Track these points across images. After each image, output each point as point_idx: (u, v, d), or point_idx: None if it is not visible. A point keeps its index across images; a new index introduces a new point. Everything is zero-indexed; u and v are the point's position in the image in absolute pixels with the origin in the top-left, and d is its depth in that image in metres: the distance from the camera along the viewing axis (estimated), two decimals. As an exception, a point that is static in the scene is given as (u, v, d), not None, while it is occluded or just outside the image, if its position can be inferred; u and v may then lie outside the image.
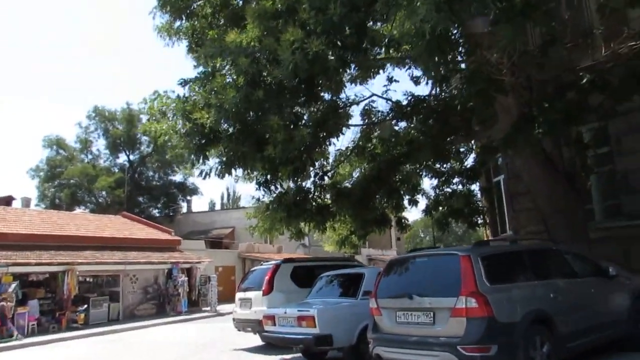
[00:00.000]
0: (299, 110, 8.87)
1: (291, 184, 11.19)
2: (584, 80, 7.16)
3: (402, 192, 12.61)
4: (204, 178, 9.14)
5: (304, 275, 10.50)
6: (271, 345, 10.59)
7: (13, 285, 15.71)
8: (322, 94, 8.83)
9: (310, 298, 8.25)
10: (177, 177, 44.37)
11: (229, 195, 63.08)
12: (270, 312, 7.94)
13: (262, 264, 11.06)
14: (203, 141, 8.65)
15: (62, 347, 13.69)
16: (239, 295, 10.77)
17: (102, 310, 19.29)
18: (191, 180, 45.06)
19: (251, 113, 7.70)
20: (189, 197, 44.56)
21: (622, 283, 6.55)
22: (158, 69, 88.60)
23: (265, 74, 7.33)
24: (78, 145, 42.28)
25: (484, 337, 4.57)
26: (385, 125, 11.07)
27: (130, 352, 11.63)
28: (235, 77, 7.44)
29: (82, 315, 17.56)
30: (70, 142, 42.20)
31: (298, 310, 7.24)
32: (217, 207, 58.97)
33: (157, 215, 40.47)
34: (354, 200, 11.39)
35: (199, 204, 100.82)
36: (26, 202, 29.53)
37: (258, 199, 11.30)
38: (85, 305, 18.07)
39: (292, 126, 8.35)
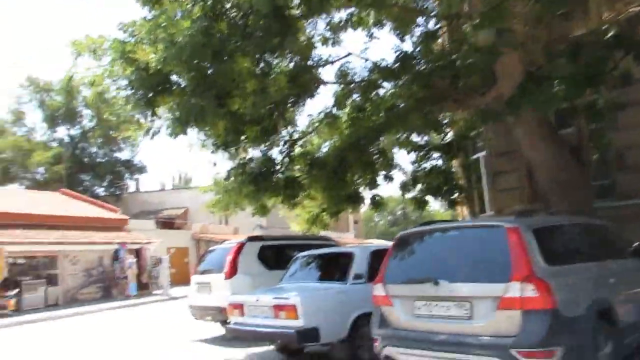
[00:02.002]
0: (269, 57, 7.43)
1: (256, 151, 9.85)
2: (609, 35, 6.21)
3: (376, 167, 11.52)
4: (152, 138, 7.67)
5: (274, 255, 9.27)
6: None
7: None
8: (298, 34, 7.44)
9: (284, 282, 7.01)
10: (124, 155, 41.57)
11: (180, 176, 60.44)
12: (237, 300, 6.60)
13: (222, 243, 9.68)
14: (150, 94, 7.16)
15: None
16: (195, 278, 9.36)
17: (38, 295, 17.25)
18: (138, 158, 42.46)
19: (210, 54, 6.13)
20: (136, 176, 41.94)
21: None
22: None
23: (228, 3, 5.88)
24: (10, 116, 38.49)
25: (547, 337, 3.40)
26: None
27: (61, 347, 10.01)
28: (189, 5, 5.93)
29: (13, 301, 15.52)
30: (0, 113, 38.44)
31: (274, 298, 5.95)
32: (168, 188, 56.27)
33: (102, 194, 37.69)
34: (328, 172, 10.16)
35: (148, 183, 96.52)
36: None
37: (214, 164, 9.75)
38: (17, 290, 16.02)
39: (262, 75, 6.96)
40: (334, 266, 6.76)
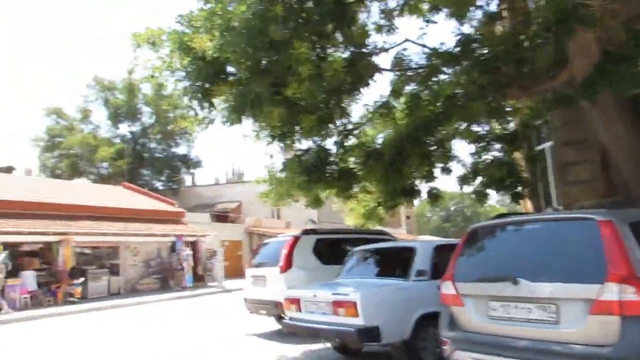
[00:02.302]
0: (325, 43, 7.18)
1: (310, 143, 9.66)
2: None
3: (433, 159, 11.04)
4: (207, 127, 7.64)
5: (329, 249, 9.07)
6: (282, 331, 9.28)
7: (2, 256, 14.41)
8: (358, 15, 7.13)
9: (342, 278, 6.76)
10: (181, 150, 42.90)
11: (233, 171, 61.69)
12: (294, 294, 6.43)
13: (276, 237, 9.58)
14: (206, 84, 7.13)
15: (50, 324, 12.41)
16: (250, 271, 9.33)
17: (102, 283, 18.08)
18: (194, 153, 43.63)
19: (267, 40, 5.94)
20: (192, 170, 43.17)
21: None
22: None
23: None
24: (78, 115, 40.71)
25: None
26: None
27: (124, 335, 10.30)
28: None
29: (79, 289, 16.30)
30: (71, 111, 40.66)
31: (333, 294, 5.70)
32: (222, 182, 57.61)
33: (161, 188, 39.07)
34: (385, 163, 9.79)
35: (202, 178, 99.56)
36: (27, 173, 28.14)
37: (271, 155, 9.65)
38: (83, 279, 16.81)
39: (318, 60, 6.71)
40: (394, 261, 6.44)
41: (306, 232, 8.99)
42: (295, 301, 6.30)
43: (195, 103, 7.56)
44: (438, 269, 5.39)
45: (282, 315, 9.28)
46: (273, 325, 9.26)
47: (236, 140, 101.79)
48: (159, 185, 40.33)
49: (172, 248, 20.88)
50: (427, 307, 5.26)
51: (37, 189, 19.93)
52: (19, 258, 15.92)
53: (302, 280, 8.15)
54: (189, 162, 42.51)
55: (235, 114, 6.92)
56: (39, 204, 17.98)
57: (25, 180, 21.02)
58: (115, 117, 40.53)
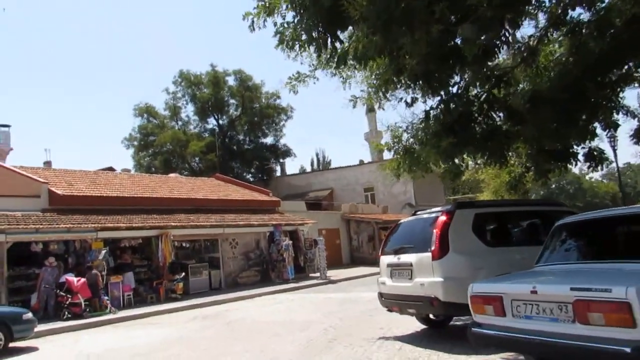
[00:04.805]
0: None
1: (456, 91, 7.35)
2: None
3: (610, 106, 8.26)
4: (337, 66, 5.68)
5: (493, 227, 6.78)
6: (438, 332, 7.10)
7: (103, 252, 13.70)
8: None
9: (542, 264, 4.50)
10: (268, 140, 42.22)
11: (318, 160, 60.41)
12: (492, 289, 4.16)
13: (416, 213, 7.39)
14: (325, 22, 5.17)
15: (157, 325, 11.26)
16: (386, 259, 7.21)
17: (202, 278, 17.11)
18: (283, 142, 42.65)
19: None
20: (281, 160, 42.26)
21: None
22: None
23: None
24: (167, 112, 41.33)
25: None
26: None
27: (235, 339, 8.70)
28: None
29: (181, 285, 15.35)
30: (160, 109, 41.35)
31: (574, 288, 3.50)
32: (308, 171, 56.61)
33: (251, 180, 38.58)
34: (557, 109, 7.27)
35: (290, 167, 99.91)
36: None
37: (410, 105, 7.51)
38: (183, 274, 15.87)
39: None
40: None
41: (460, 205, 6.73)
42: (495, 300, 4.09)
43: (311, 44, 5.59)
44: None
45: (436, 315, 7.15)
46: (412, 324, 7.17)
47: (320, 127, 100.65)
48: (249, 176, 39.91)
49: (271, 238, 19.53)
50: None
51: (132, 184, 19.48)
52: (120, 254, 15.25)
53: (463, 268, 6.04)
54: (277, 152, 41.66)
55: (372, 43, 4.81)
56: (136, 199, 17.40)
57: (121, 177, 20.74)
58: (203, 112, 40.63)
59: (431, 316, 7.25)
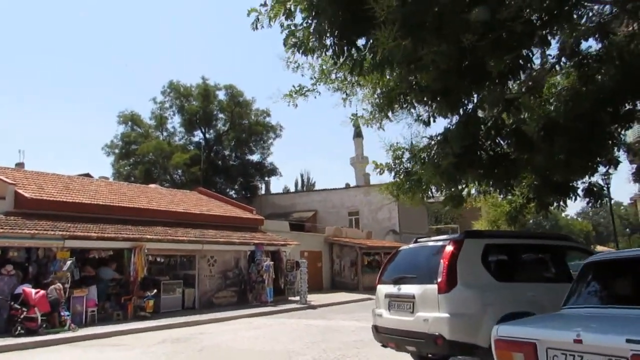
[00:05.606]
0: None
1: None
2: None
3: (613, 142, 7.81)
4: (351, 72, 5.06)
5: (504, 259, 6.10)
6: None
7: (68, 263, 12.62)
8: None
9: (572, 306, 3.84)
10: (255, 157, 41.45)
11: (303, 181, 59.74)
12: (523, 334, 3.42)
13: (418, 240, 6.68)
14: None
15: (119, 347, 10.23)
16: (384, 289, 6.44)
17: (175, 296, 16.03)
18: (270, 160, 41.91)
19: None
20: (267, 178, 41.42)
21: None
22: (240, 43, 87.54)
23: None
24: (153, 122, 40.36)
25: None
26: None
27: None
28: None
29: (151, 303, 14.29)
30: (146, 118, 40.34)
31: (629, 341, 2.79)
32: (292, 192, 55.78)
33: (234, 196, 37.60)
34: (571, 139, 6.76)
35: (275, 186, 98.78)
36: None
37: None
38: (155, 290, 14.80)
39: None
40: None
41: (469, 234, 6.06)
42: (527, 347, 3.37)
43: (329, 48, 4.97)
44: None
45: (441, 354, 6.38)
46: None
47: (304, 152, 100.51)
48: (232, 192, 38.93)
49: (252, 258, 18.60)
50: None
51: (109, 192, 18.44)
52: (86, 266, 14.15)
53: (472, 303, 5.38)
54: (263, 170, 40.85)
55: (399, 47, 4.15)
56: (111, 207, 16.37)
57: (98, 184, 19.68)
58: (190, 124, 39.78)
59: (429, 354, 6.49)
